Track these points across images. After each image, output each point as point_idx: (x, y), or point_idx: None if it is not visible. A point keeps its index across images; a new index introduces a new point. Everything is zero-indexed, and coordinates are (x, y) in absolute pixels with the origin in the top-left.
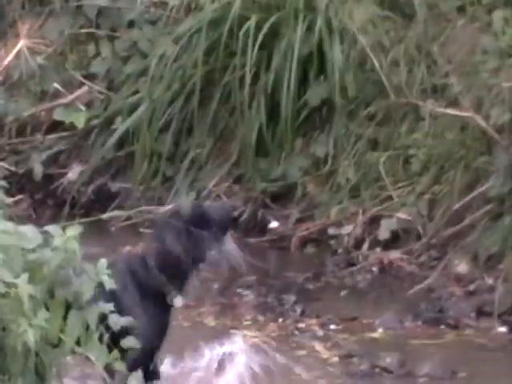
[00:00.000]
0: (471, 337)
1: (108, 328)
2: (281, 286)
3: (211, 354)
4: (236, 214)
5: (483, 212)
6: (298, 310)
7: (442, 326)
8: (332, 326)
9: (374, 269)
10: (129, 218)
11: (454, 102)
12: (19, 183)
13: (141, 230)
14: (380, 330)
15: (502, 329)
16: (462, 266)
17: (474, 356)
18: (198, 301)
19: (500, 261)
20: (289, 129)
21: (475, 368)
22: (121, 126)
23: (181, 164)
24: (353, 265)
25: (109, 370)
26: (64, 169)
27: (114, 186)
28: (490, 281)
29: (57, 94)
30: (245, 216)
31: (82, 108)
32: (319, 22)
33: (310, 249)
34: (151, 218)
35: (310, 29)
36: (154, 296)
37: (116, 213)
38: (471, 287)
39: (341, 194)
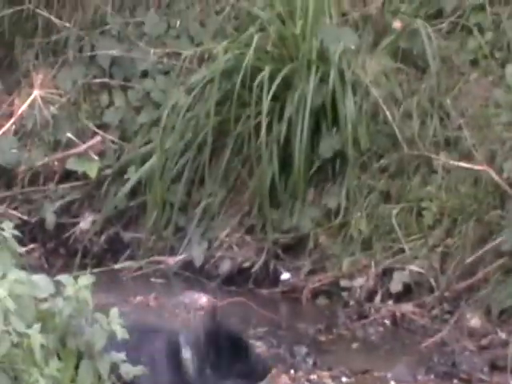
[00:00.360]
0: None
1: (120, 378)
2: (292, 337)
3: None
4: (248, 264)
5: (496, 266)
6: (310, 361)
7: (455, 381)
8: (344, 379)
9: (387, 321)
10: (140, 267)
11: (466, 155)
12: (31, 232)
13: (152, 279)
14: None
15: None
16: (474, 320)
17: None
18: None
19: None
20: (301, 180)
21: None
22: (133, 176)
23: (193, 214)
24: (365, 317)
25: None
26: (76, 218)
27: (126, 236)
28: (503, 335)
29: (70, 144)
30: (256, 267)
31: (95, 158)
32: (332, 74)
33: (322, 300)
34: (163, 268)
35: (322, 80)
36: None
37: (128, 263)
38: (484, 341)
39: (353, 245)
